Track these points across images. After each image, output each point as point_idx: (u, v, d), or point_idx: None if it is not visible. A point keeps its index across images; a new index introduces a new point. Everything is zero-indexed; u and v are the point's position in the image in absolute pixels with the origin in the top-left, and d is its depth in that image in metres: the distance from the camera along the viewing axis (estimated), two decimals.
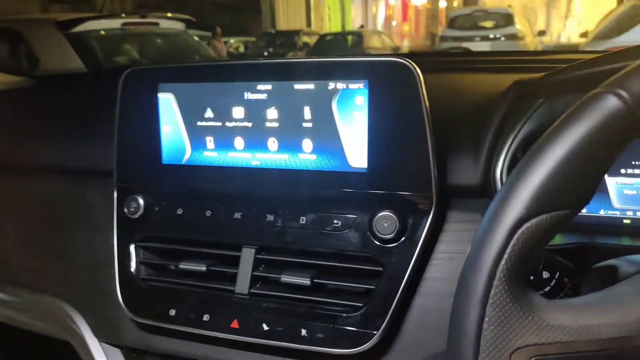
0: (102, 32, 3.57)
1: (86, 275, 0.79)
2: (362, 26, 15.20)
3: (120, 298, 0.70)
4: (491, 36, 8.62)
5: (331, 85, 0.62)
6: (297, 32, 10.70)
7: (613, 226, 0.66)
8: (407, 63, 0.58)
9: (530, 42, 9.29)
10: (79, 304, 0.79)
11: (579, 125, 0.35)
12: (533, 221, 0.36)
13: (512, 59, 1.06)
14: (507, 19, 8.88)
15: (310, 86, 0.63)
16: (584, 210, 0.68)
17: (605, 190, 0.67)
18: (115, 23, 3.69)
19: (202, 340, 0.69)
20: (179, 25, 4.12)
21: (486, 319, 0.36)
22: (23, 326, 0.99)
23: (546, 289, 0.50)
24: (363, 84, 0.60)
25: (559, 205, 0.36)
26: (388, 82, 0.59)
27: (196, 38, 4.62)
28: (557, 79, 0.62)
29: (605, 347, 0.35)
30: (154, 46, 4.07)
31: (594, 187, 0.37)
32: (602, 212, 0.67)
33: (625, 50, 0.57)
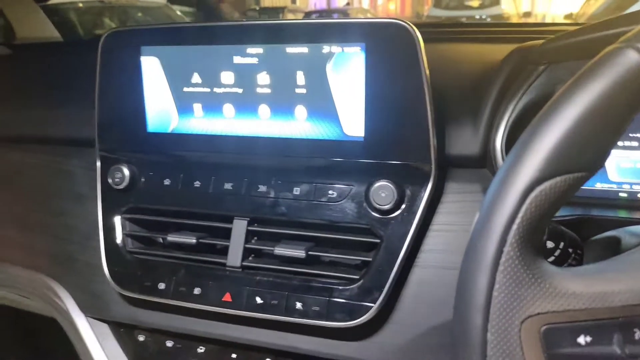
0: (80, 5, 3.45)
1: (71, 249, 0.76)
2: (348, 4, 15.02)
3: (107, 272, 0.68)
4: (477, 17, 8.60)
5: (326, 48, 0.59)
6: (281, 9, 10.54)
7: (609, 199, 0.65)
8: (407, 25, 0.56)
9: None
10: (64, 279, 0.76)
11: (596, 82, 0.33)
12: (547, 184, 0.34)
13: (507, 30, 1.04)
14: None
15: (303, 49, 0.59)
16: None
17: None
18: None
19: (193, 315, 0.67)
20: None
21: (496, 286, 0.34)
22: (7, 303, 0.96)
23: (550, 259, 0.48)
24: (360, 47, 0.57)
25: (574, 167, 0.34)
26: (386, 46, 0.57)
27: (179, 13, 4.50)
28: (559, 45, 0.60)
29: (619, 315, 0.34)
30: (135, 20, 3.95)
31: (610, 148, 0.35)
32: (598, 186, 0.66)
33: (632, 13, 0.55)
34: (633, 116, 0.34)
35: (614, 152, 0.65)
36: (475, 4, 8.96)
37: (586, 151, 0.34)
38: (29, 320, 1.04)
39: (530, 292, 0.34)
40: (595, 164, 0.35)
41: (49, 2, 3.05)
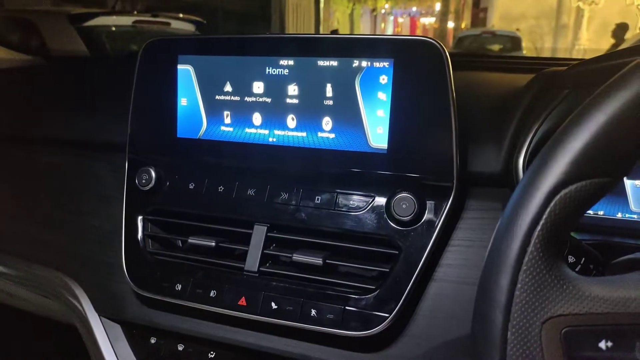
0: (113, 29, 3.58)
1: (91, 248, 0.77)
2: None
3: (125, 271, 0.68)
4: None
5: (355, 62, 0.61)
6: None
7: (630, 229, 0.65)
8: (435, 43, 0.58)
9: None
10: (82, 278, 0.77)
11: (623, 91, 0.34)
12: (572, 187, 0.34)
13: (529, 62, 1.06)
14: (514, 42, 8.91)
15: (333, 63, 0.62)
16: (600, 212, 0.67)
17: (623, 193, 0.66)
18: (126, 20, 3.70)
19: (207, 318, 0.67)
20: (189, 27, 4.13)
21: (518, 286, 0.35)
22: (23, 304, 0.97)
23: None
24: (388, 63, 0.59)
25: (599, 173, 0.35)
26: (414, 62, 0.58)
27: None
28: (583, 70, 0.62)
29: None
30: None
31: (636, 157, 0.35)
32: (619, 215, 0.66)
33: None
34: None
35: (636, 182, 0.65)
36: (496, 48, 9.06)
37: (611, 157, 0.35)
38: (46, 326, 1.05)
39: (552, 293, 0.35)
40: (620, 170, 0.35)
41: (85, 24, 3.19)
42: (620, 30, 5.81)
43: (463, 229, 0.62)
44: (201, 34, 4.24)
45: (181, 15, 4.13)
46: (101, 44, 3.34)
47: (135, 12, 3.92)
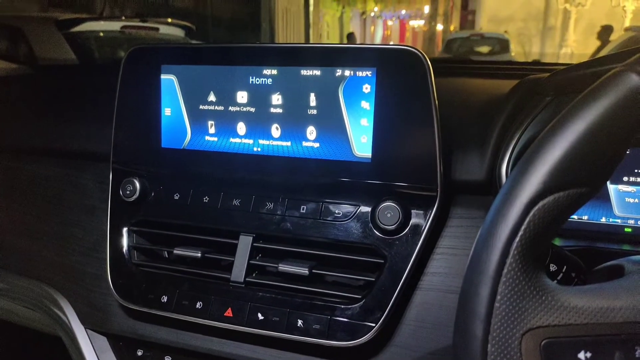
0: (101, 34, 3.56)
1: (76, 259, 0.77)
2: None
3: (111, 283, 0.68)
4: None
5: (338, 72, 0.61)
6: None
7: (614, 234, 0.66)
8: (417, 52, 0.58)
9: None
10: (67, 290, 0.77)
11: (599, 102, 0.34)
12: (550, 198, 0.35)
13: (513, 67, 1.07)
14: (502, 44, 8.99)
15: (317, 72, 0.62)
16: (585, 217, 0.68)
17: (607, 198, 0.66)
18: (114, 25, 3.68)
19: (193, 330, 0.67)
20: (179, 32, 4.12)
21: (498, 297, 0.35)
22: (6, 315, 0.95)
23: (554, 282, 0.49)
24: (371, 72, 0.60)
25: (577, 183, 0.35)
26: (397, 71, 0.59)
27: None
28: (565, 77, 0.62)
29: (620, 331, 0.34)
30: None
31: (613, 166, 0.36)
32: (603, 220, 0.67)
33: (637, 48, 0.57)
34: (633, 135, 0.35)
35: (619, 187, 0.66)
36: (485, 50, 9.12)
37: (590, 167, 0.35)
38: (32, 339, 1.03)
39: (532, 304, 0.35)
40: (598, 180, 0.36)
41: (72, 30, 3.17)
42: (606, 32, 5.88)
43: (448, 237, 0.62)
44: (190, 40, 4.24)
45: (170, 20, 4.11)
46: (89, 50, 3.32)
47: (124, 18, 3.90)
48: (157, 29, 3.98)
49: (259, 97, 0.64)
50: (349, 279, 0.62)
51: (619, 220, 0.66)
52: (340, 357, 0.61)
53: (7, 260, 0.84)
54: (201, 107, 0.67)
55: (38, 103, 0.95)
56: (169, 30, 4.06)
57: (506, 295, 0.35)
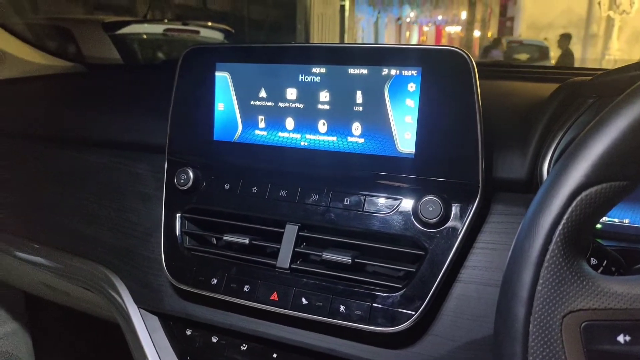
0: (144, 36, 3.70)
1: (132, 243, 0.82)
2: None
3: (164, 265, 0.72)
4: None
5: (385, 71, 0.64)
6: None
7: None
8: (462, 52, 0.60)
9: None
10: (122, 272, 0.82)
11: None
12: (592, 189, 0.37)
13: (555, 72, 1.07)
14: (542, 52, 8.81)
15: (363, 71, 0.65)
16: (626, 220, 0.68)
17: None
18: (157, 28, 3.81)
19: (240, 311, 0.70)
20: (218, 35, 4.23)
21: (540, 281, 0.37)
22: (63, 299, 1.02)
23: None
24: (416, 71, 0.62)
25: (619, 176, 0.37)
26: (441, 70, 0.61)
27: None
28: (607, 79, 0.63)
29: None
30: None
31: None
32: None
33: None
34: None
35: None
36: (524, 57, 8.97)
37: (633, 161, 0.37)
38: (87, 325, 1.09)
39: (572, 288, 0.37)
40: (638, 175, 0.37)
41: (118, 32, 3.31)
42: None
43: (488, 232, 0.64)
44: (229, 42, 4.33)
45: (210, 24, 4.23)
46: (132, 51, 3.45)
47: (166, 21, 4.03)
48: (197, 32, 4.09)
49: (308, 93, 0.68)
50: (390, 269, 0.64)
51: None
52: (380, 343, 0.64)
53: (65, 242, 0.90)
54: (252, 102, 0.71)
55: (96, 99, 1.01)
56: (209, 33, 4.18)
57: (548, 280, 0.37)
